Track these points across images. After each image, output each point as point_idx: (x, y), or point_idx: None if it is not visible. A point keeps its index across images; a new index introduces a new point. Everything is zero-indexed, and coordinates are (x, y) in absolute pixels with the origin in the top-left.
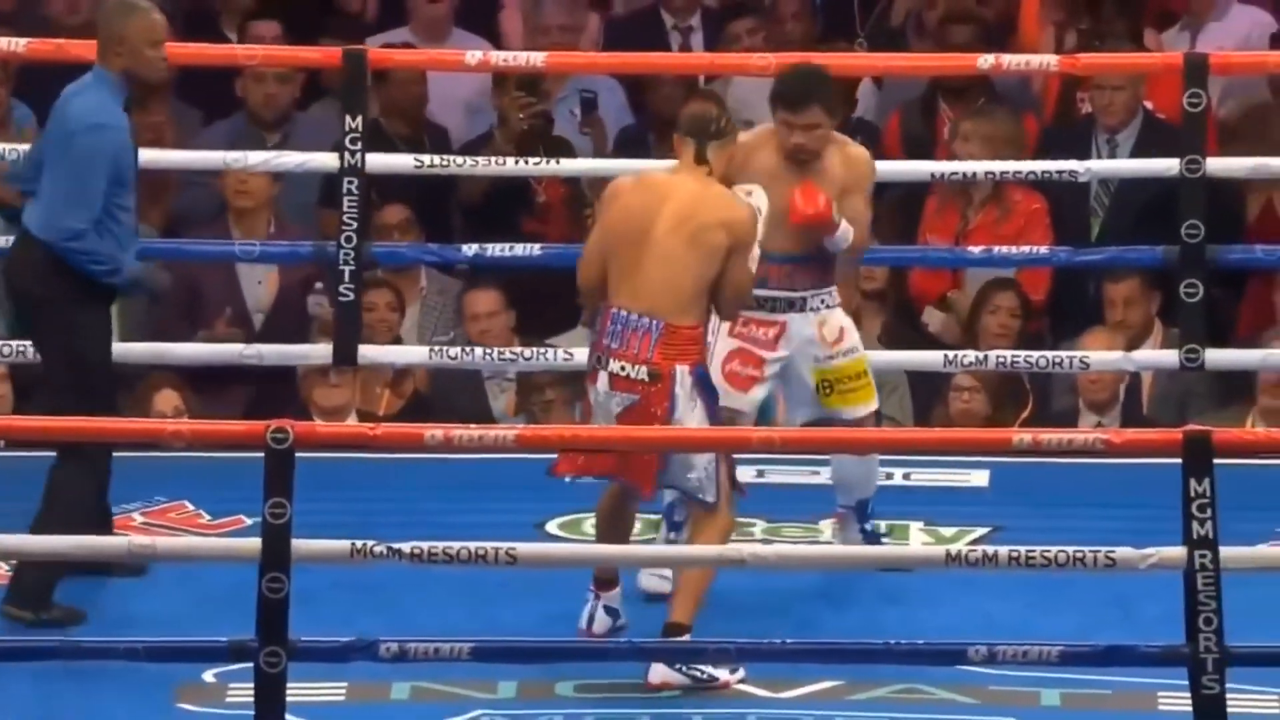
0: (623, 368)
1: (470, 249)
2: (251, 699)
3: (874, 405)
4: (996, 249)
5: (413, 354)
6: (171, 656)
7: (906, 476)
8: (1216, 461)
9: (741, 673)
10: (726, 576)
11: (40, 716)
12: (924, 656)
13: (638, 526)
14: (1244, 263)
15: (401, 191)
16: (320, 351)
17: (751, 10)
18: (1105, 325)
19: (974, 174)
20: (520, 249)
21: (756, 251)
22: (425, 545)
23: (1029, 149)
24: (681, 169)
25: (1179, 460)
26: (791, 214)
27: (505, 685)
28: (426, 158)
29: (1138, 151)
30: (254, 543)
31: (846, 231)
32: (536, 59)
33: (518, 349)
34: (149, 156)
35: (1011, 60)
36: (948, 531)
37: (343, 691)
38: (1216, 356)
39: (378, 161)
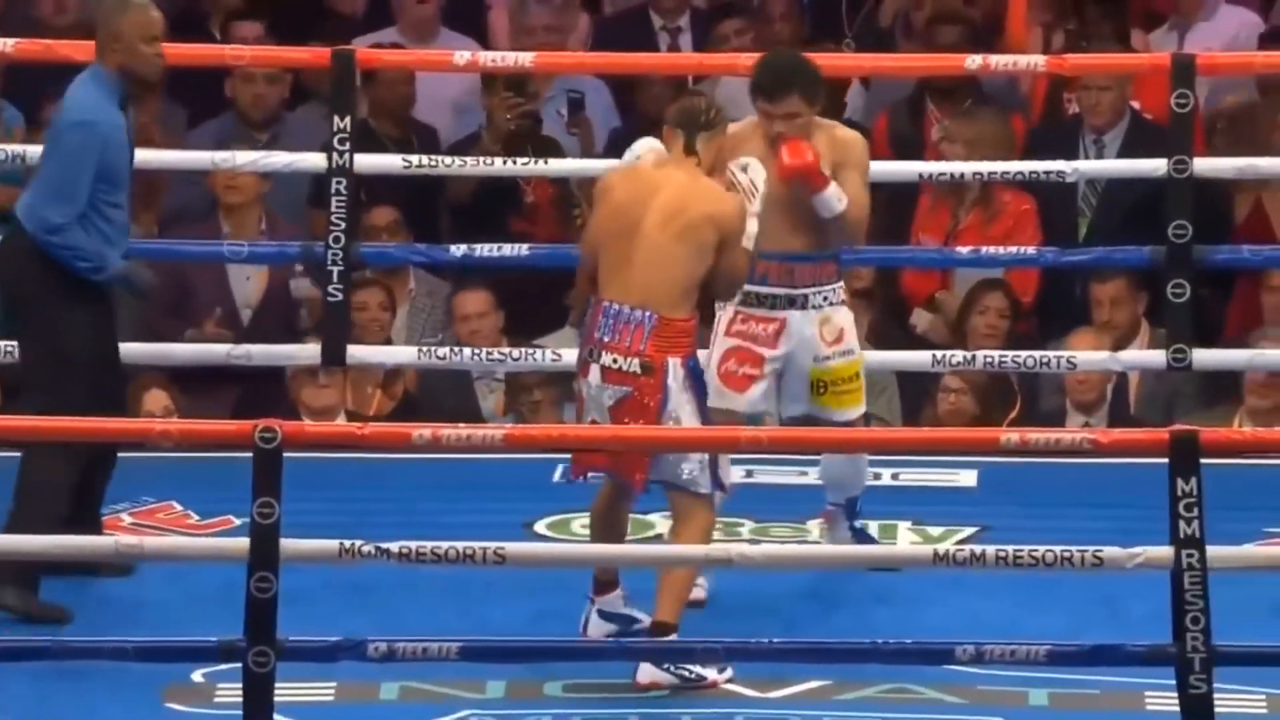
0: (615, 360)
1: (458, 249)
2: (240, 699)
3: (862, 409)
4: (984, 249)
5: (401, 354)
6: (160, 656)
7: (895, 476)
8: (1203, 461)
9: (729, 672)
10: (714, 576)
11: (27, 717)
12: (912, 656)
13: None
14: (1231, 263)
15: (390, 192)
16: (309, 352)
17: (740, 11)
18: (1092, 325)
19: (961, 175)
20: (508, 249)
21: (754, 227)
22: (414, 545)
23: (1018, 149)
24: (670, 161)
25: (1166, 460)
26: (779, 169)
27: (494, 685)
28: (414, 158)
29: (1125, 152)
30: (242, 543)
31: (837, 193)
32: (525, 59)
33: (506, 349)
34: (138, 156)
35: (999, 61)
36: (935, 531)
37: (331, 691)
38: (1203, 357)
39: (366, 162)
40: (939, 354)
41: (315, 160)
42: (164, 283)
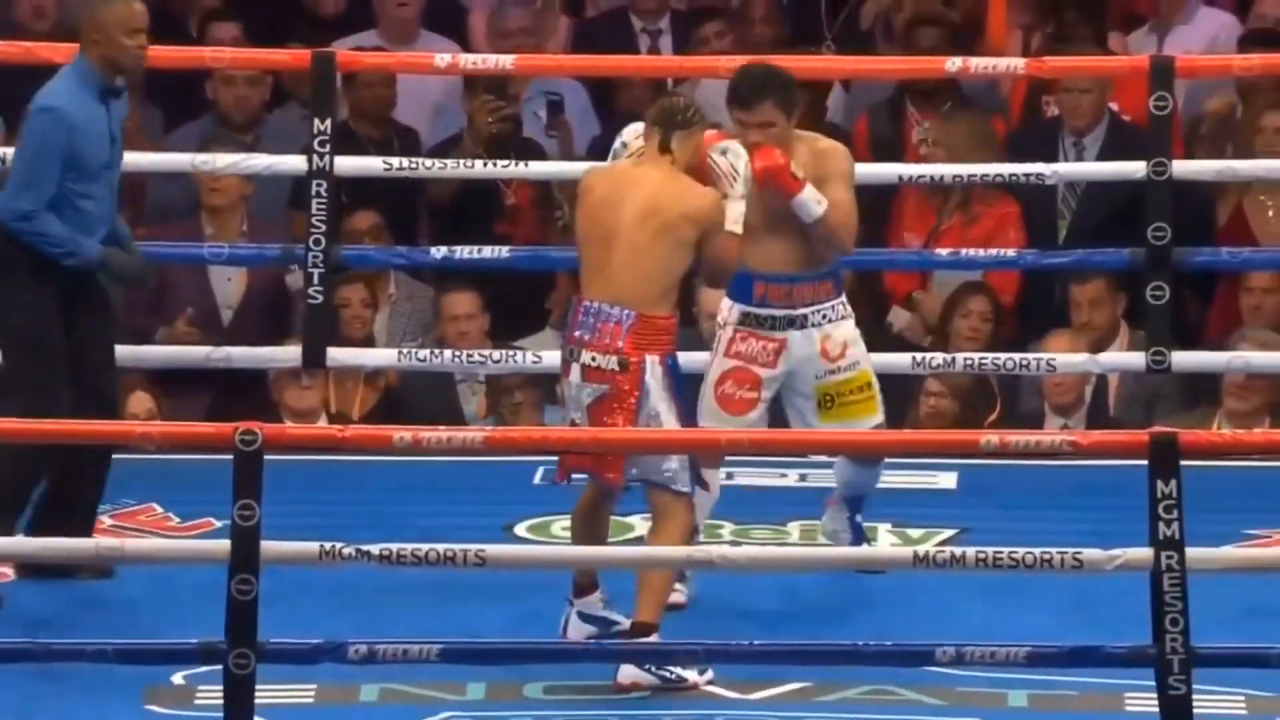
0: (594, 358)
1: (439, 251)
2: (220, 701)
3: (878, 418)
4: (964, 251)
5: (382, 356)
6: (140, 659)
7: None
8: (1183, 463)
9: (710, 674)
10: (695, 578)
11: (7, 719)
12: (892, 658)
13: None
14: (1210, 265)
15: (371, 194)
16: (289, 354)
17: (720, 13)
18: (1070, 327)
19: (941, 177)
20: (489, 251)
21: (739, 209)
22: (394, 547)
23: (999, 151)
24: (645, 160)
25: (1146, 462)
26: (754, 176)
27: (474, 687)
28: (395, 160)
29: (1104, 154)
30: (223, 545)
31: (815, 195)
32: (505, 61)
33: (487, 351)
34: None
35: (979, 63)
36: (916, 533)
37: (312, 693)
38: (1183, 359)
39: (346, 164)
40: (919, 356)
41: (295, 163)
42: (148, 270)
